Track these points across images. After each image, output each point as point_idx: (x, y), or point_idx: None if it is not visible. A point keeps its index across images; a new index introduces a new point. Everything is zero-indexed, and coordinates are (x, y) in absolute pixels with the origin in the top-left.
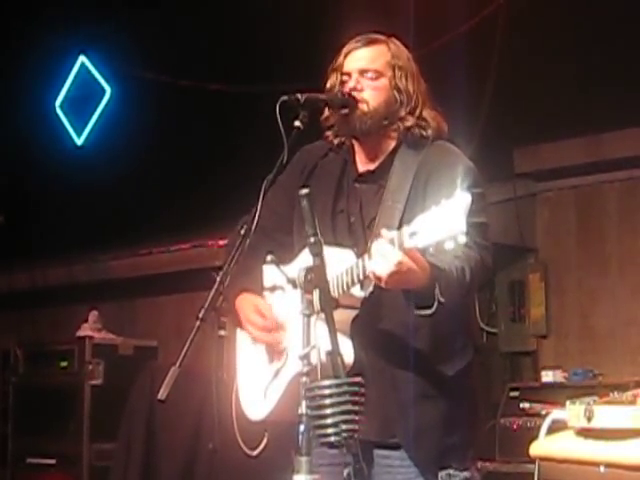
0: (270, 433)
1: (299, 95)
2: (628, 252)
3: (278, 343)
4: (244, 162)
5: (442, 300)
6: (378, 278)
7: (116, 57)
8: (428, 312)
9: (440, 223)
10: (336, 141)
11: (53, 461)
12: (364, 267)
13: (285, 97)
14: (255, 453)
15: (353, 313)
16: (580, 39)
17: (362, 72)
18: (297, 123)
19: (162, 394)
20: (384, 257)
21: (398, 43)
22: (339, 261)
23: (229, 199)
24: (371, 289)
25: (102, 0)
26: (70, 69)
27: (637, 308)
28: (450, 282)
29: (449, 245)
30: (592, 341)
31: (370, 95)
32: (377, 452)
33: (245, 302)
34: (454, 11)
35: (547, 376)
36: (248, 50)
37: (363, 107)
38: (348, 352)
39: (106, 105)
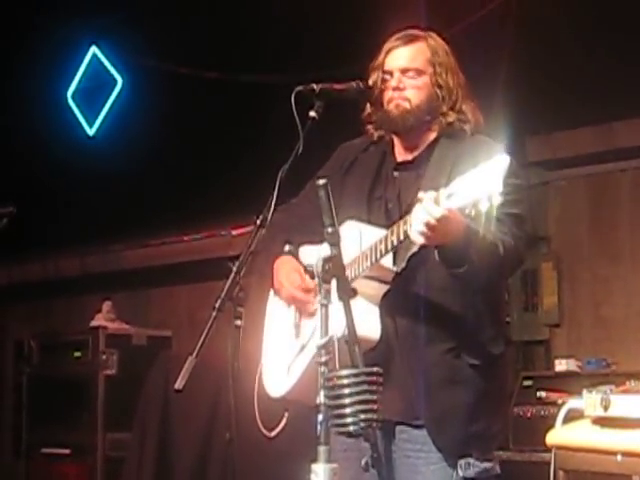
0: (289, 416)
1: (314, 85)
2: None
3: (309, 303)
4: (258, 152)
5: (474, 262)
6: (419, 231)
7: (127, 47)
8: (460, 270)
9: (477, 184)
10: (376, 134)
11: (68, 451)
12: (402, 230)
13: (300, 87)
14: (273, 434)
15: (385, 288)
16: (593, 27)
17: (403, 71)
18: (312, 113)
19: (179, 384)
20: (425, 213)
21: (436, 37)
22: (375, 237)
23: (242, 189)
24: (404, 265)
25: None
26: (82, 60)
27: None
28: (483, 246)
29: (484, 205)
30: (605, 330)
31: (412, 93)
32: (400, 436)
33: (287, 262)
34: (465, 0)
35: (561, 365)
36: (263, 40)
37: (405, 104)
38: (375, 328)
39: (118, 95)
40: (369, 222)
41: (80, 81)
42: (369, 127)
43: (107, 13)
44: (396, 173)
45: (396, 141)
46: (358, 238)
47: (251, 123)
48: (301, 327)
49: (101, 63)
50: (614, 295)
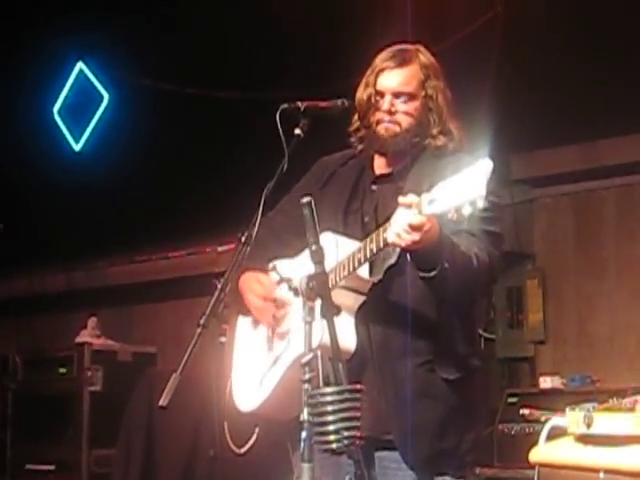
0: (261, 432)
1: (299, 103)
2: (625, 258)
3: (270, 310)
4: (242, 169)
5: (446, 266)
6: (397, 234)
7: (114, 63)
8: (430, 275)
9: (460, 189)
10: (359, 147)
11: (52, 467)
12: (382, 238)
13: (285, 105)
14: (243, 451)
15: (361, 299)
16: (578, 46)
17: (396, 94)
18: (297, 131)
19: (164, 401)
20: (405, 220)
21: (426, 53)
22: (350, 248)
23: (227, 206)
24: (380, 276)
25: (100, 7)
26: (68, 75)
27: (635, 314)
28: (456, 255)
29: (467, 210)
30: (590, 347)
31: (403, 118)
32: (377, 454)
33: (248, 277)
34: (451, 18)
35: (545, 382)
36: (247, 57)
37: (395, 128)
38: (351, 339)
39: (104, 111)
40: (345, 235)
41: (66, 97)
42: (353, 140)
43: (94, 29)
44: (374, 186)
45: (376, 156)
46: (335, 248)
47: (237, 139)
48: (274, 340)
49: (87, 79)
50: (599, 312)
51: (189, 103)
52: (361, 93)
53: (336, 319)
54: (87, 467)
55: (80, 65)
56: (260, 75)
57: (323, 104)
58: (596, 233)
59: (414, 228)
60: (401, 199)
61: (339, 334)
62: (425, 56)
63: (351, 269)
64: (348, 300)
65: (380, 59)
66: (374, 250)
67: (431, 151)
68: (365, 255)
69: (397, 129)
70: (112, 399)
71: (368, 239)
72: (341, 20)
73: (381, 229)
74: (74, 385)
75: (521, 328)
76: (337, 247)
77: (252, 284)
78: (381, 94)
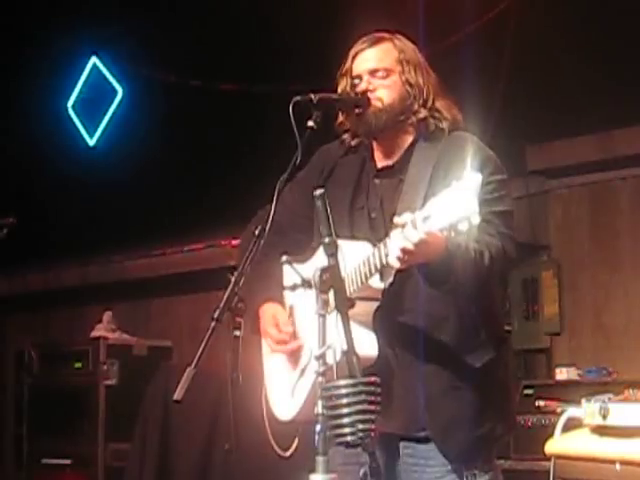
0: (302, 434)
1: (312, 95)
2: None
3: (293, 354)
4: (257, 162)
5: (458, 276)
6: (398, 258)
7: (128, 58)
8: (444, 287)
9: (452, 204)
10: (354, 142)
11: (68, 461)
12: (383, 255)
13: (298, 97)
14: (288, 454)
15: (375, 305)
16: (592, 36)
17: (372, 72)
18: (311, 123)
19: (178, 394)
20: (402, 239)
21: (403, 38)
22: (357, 253)
23: (242, 199)
24: (391, 279)
25: (113, 1)
26: (82, 70)
27: None
28: (467, 260)
29: (463, 226)
30: (606, 338)
31: (383, 93)
32: (404, 451)
33: (266, 312)
34: (465, 9)
35: (561, 373)
36: (259, 50)
37: (377, 104)
38: (372, 345)
39: (118, 106)
40: (352, 235)
41: (80, 91)
42: (345, 136)
43: (107, 24)
44: (377, 180)
45: (375, 146)
46: (341, 258)
47: (251, 133)
48: (296, 354)
49: (101, 73)
50: (615, 303)
51: (204, 97)
52: (341, 84)
53: (354, 329)
54: (103, 461)
55: (94, 60)
56: (279, 68)
57: (336, 95)
58: (611, 224)
59: (411, 245)
60: (396, 219)
61: (359, 341)
62: (400, 39)
63: (360, 284)
64: (362, 309)
65: (354, 46)
66: (378, 265)
67: (426, 136)
68: (370, 270)
69: (379, 104)
70: (128, 393)
71: (371, 253)
72: (352, 13)
73: (382, 244)
74: (90, 379)
75: (537, 320)
76: (343, 256)
77: (268, 327)
78: (359, 77)
